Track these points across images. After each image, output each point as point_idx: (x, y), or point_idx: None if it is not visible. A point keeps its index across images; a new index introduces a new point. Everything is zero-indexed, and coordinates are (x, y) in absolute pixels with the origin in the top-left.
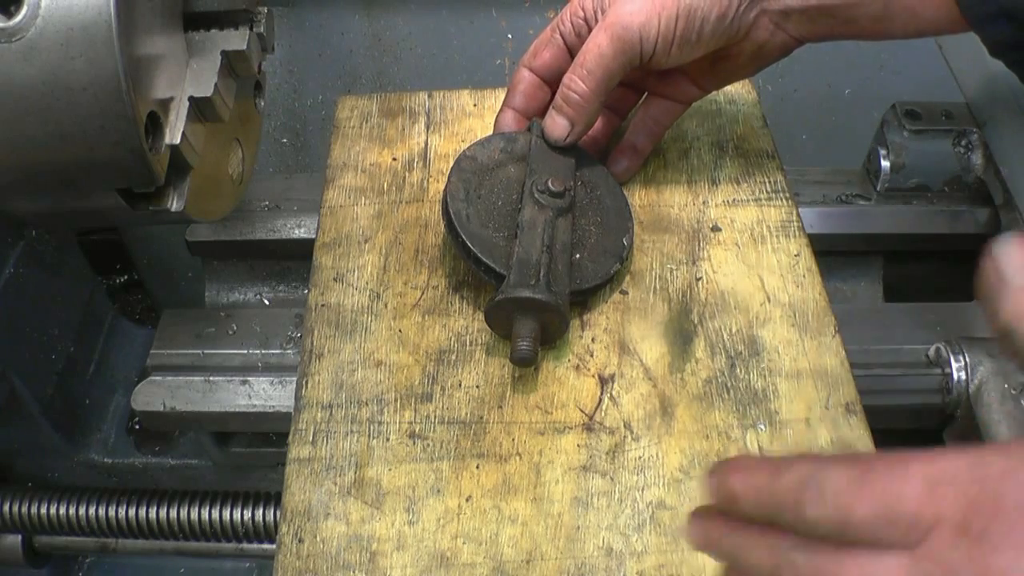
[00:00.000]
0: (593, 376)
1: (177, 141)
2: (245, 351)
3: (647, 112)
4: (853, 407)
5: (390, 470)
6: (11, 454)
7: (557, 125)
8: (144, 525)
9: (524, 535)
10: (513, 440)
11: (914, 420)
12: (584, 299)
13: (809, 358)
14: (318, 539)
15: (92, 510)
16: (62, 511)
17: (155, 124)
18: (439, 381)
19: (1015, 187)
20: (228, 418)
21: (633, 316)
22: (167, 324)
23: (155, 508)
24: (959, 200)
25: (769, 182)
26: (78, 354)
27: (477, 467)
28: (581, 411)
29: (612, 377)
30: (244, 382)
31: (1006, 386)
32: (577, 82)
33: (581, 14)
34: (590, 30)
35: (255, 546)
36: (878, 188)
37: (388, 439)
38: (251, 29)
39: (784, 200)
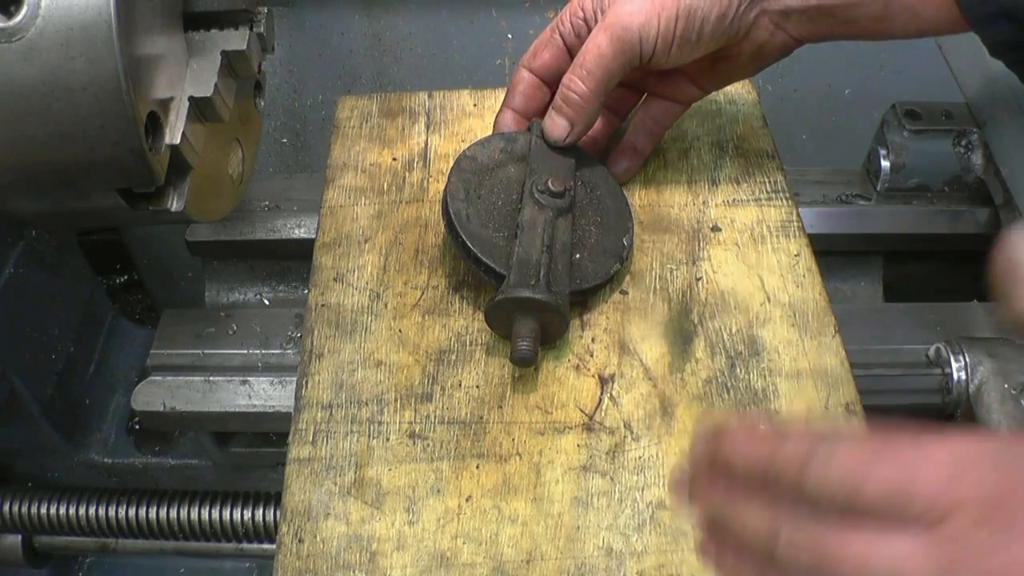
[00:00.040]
0: (593, 376)
1: (177, 141)
2: (245, 351)
3: (647, 113)
4: (853, 407)
5: (390, 470)
6: (11, 454)
7: (557, 125)
8: (144, 525)
9: (524, 535)
10: (513, 440)
11: (914, 420)
12: (584, 299)
13: (809, 358)
14: (318, 539)
15: (92, 510)
16: (62, 511)
17: (155, 124)
18: (439, 381)
19: (1015, 187)
20: (228, 418)
21: (633, 316)
22: (167, 324)
23: (155, 508)
24: (959, 200)
25: (769, 182)
26: (78, 354)
27: (477, 467)
28: (581, 411)
29: (612, 377)
30: (244, 382)
31: (1006, 386)
32: (577, 82)
33: (581, 15)
34: (590, 31)
35: (255, 546)
36: (878, 188)
37: (388, 439)
38: (251, 29)
39: (784, 200)
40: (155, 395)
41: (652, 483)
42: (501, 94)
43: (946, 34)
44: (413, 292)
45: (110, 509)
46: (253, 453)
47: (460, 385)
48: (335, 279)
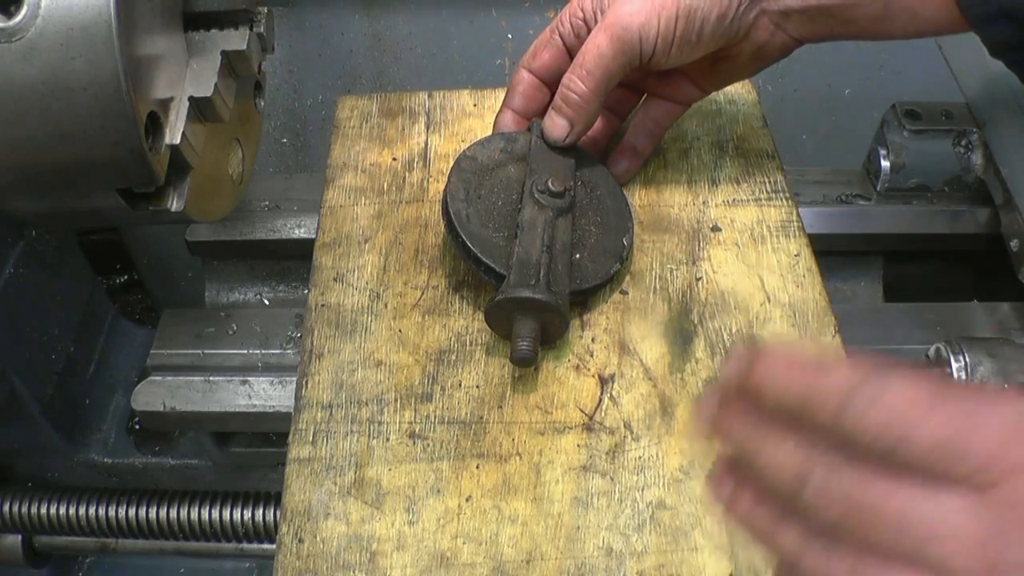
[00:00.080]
0: (593, 376)
1: (177, 141)
2: (245, 351)
3: (647, 113)
4: None
5: (390, 470)
6: (11, 454)
7: (557, 125)
8: (144, 525)
9: (524, 535)
10: (513, 440)
11: None
12: (584, 299)
13: None
14: (318, 539)
15: (92, 510)
16: (62, 511)
17: (155, 124)
18: (439, 381)
19: (1015, 187)
20: (228, 418)
21: (633, 316)
22: (167, 324)
23: (155, 508)
24: (959, 200)
25: (769, 182)
26: (78, 354)
27: (477, 467)
28: (581, 411)
29: (612, 377)
30: (244, 382)
31: (1006, 386)
32: (576, 82)
33: (580, 15)
34: (589, 31)
35: (255, 546)
36: (878, 188)
37: (388, 439)
38: (251, 29)
39: (784, 200)
40: (155, 395)
41: (652, 483)
42: (501, 94)
43: (946, 34)
44: (413, 292)
45: (110, 509)
46: (253, 453)
47: (460, 385)
48: (335, 279)
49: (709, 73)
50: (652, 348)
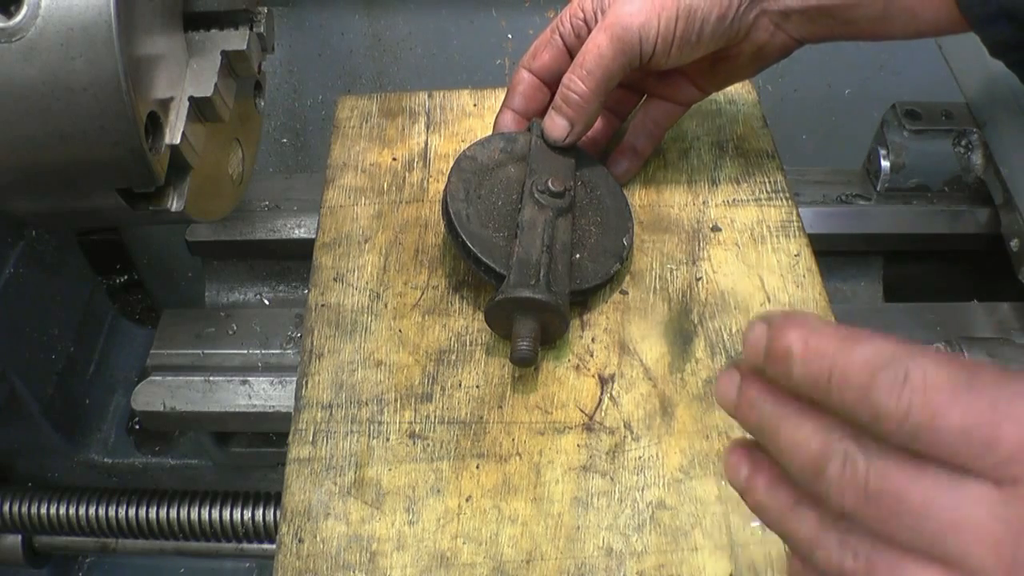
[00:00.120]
0: (593, 376)
1: (177, 141)
2: (245, 351)
3: (647, 114)
4: None
5: (390, 470)
6: (11, 454)
7: (557, 125)
8: (144, 525)
9: (524, 535)
10: (513, 440)
11: None
12: (584, 299)
13: None
14: (318, 539)
15: (92, 510)
16: (62, 511)
17: (155, 124)
18: (439, 381)
19: (1015, 187)
20: (228, 418)
21: (633, 316)
22: (167, 324)
23: (155, 508)
24: (959, 200)
25: (769, 182)
26: (78, 354)
27: (477, 467)
28: (581, 411)
29: (612, 377)
30: (244, 382)
31: None
32: (576, 82)
33: (580, 15)
34: (590, 31)
35: (255, 546)
36: (878, 188)
37: (388, 439)
38: (251, 29)
39: (784, 200)
40: (155, 395)
41: (652, 483)
42: (501, 94)
43: (946, 35)
44: (413, 292)
45: (110, 509)
46: (253, 453)
47: (460, 385)
48: (335, 279)
49: (709, 74)
50: (652, 348)
